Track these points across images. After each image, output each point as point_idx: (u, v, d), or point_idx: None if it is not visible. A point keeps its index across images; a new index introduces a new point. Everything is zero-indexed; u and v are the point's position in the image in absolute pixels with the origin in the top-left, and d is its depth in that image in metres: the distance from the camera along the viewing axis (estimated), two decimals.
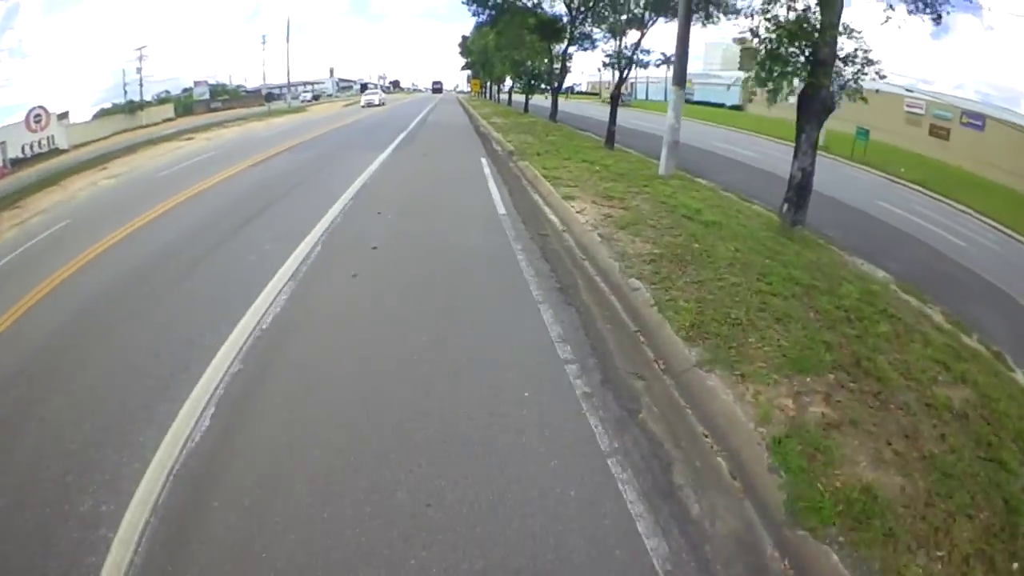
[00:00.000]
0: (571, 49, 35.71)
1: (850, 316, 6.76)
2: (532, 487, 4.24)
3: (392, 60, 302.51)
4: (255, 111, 59.70)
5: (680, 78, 17.30)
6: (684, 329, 6.06)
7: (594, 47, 34.13)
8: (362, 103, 59.41)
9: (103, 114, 76.57)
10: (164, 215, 13.61)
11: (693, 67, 26.53)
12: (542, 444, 4.71)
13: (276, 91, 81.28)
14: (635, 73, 43.32)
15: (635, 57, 27.50)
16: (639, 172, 16.98)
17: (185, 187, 16.77)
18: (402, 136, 28.04)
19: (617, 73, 28.67)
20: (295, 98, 75.64)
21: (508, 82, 67.00)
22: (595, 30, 33.15)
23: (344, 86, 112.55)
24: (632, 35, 27.65)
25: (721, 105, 64.70)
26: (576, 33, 33.87)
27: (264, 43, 66.53)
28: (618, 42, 28.32)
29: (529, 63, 43.64)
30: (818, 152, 13.23)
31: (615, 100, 26.44)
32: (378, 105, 57.89)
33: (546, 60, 39.80)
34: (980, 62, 52.13)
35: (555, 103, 37.53)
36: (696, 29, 21.18)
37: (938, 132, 38.66)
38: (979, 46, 49.75)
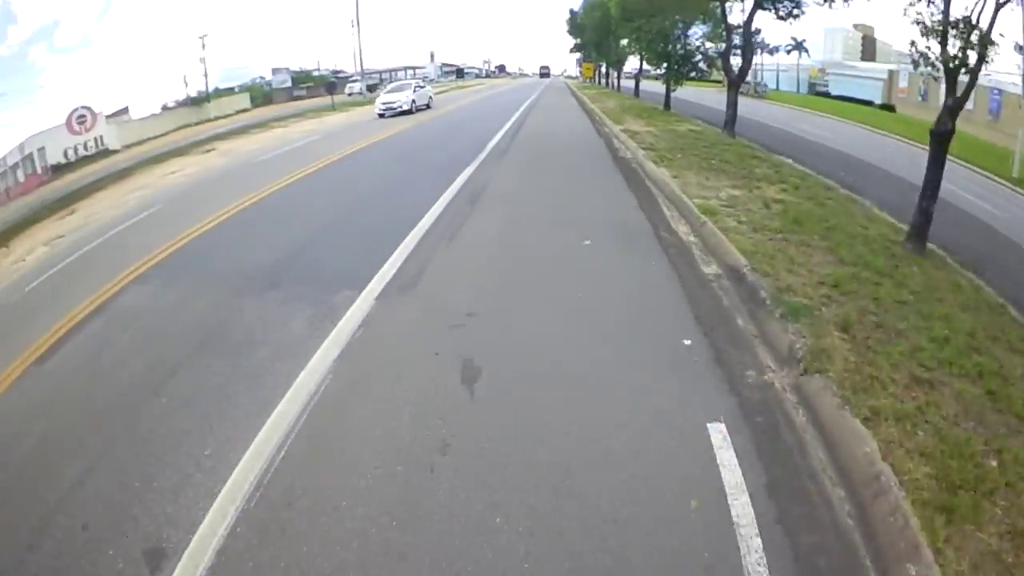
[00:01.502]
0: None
1: None
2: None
3: (498, 43, 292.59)
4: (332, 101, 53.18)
5: None
6: None
7: (800, 9, 21.35)
8: (377, 109, 34.57)
9: (172, 108, 70.69)
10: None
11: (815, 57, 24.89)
12: None
13: (360, 77, 73.53)
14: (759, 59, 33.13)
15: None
16: None
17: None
18: (468, 172, 16.44)
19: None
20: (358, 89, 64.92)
21: (631, 64, 54.73)
22: None
23: (448, 71, 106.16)
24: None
25: (868, 103, 57.66)
26: None
27: (354, 27, 56.75)
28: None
29: (678, 37, 31.18)
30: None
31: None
32: (407, 111, 33.93)
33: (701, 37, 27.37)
34: None
35: (733, 105, 23.26)
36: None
37: None
38: None
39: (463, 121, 28.89)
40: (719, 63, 30.19)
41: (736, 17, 23.20)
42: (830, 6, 19.63)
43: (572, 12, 73.12)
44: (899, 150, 29.60)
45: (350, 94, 58.88)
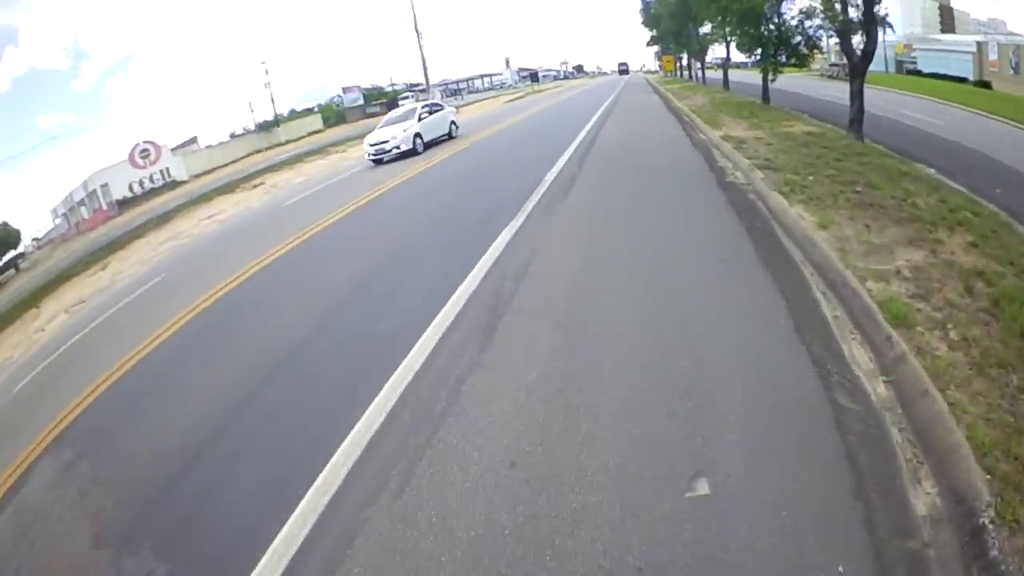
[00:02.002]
0: None
1: None
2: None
3: (574, 44, 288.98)
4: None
5: None
6: None
7: None
8: (368, 152, 25.34)
9: (240, 135, 70.71)
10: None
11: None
12: None
13: (411, 92, 71.44)
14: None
15: None
16: None
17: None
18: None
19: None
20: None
21: (715, 53, 50.05)
22: None
23: (524, 76, 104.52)
24: None
25: (962, 80, 54.35)
26: None
27: (420, 38, 54.05)
28: None
29: (770, 17, 26.39)
30: None
31: None
32: (410, 152, 24.53)
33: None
34: None
35: (859, 97, 18.26)
36: None
37: None
38: None
39: (524, 139, 24.64)
40: (824, 45, 25.54)
41: None
42: None
43: (645, 2, 68.31)
44: None
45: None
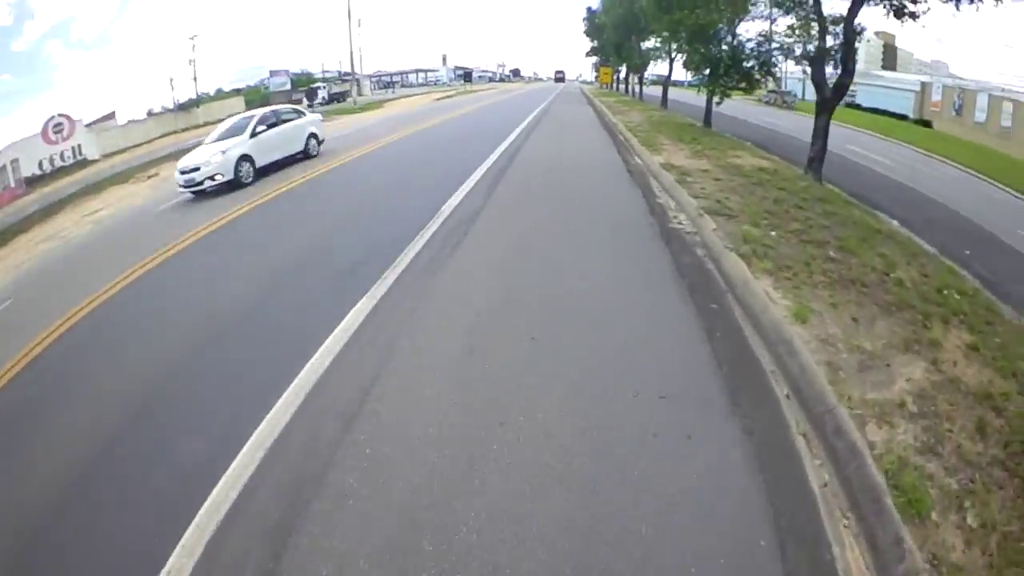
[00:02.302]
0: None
1: None
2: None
3: (514, 47, 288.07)
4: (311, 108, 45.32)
5: None
6: None
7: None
8: (178, 180, 17.71)
9: (159, 114, 67.11)
10: None
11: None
12: None
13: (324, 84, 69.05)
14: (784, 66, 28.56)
15: None
16: None
17: None
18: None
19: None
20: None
21: (655, 69, 48.69)
22: None
23: (460, 74, 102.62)
24: None
25: (902, 117, 57.24)
26: None
27: (360, 26, 50.94)
28: None
29: (723, 36, 24.78)
30: None
31: None
32: (215, 186, 17.36)
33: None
34: None
35: (823, 134, 16.50)
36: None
37: None
38: None
39: (432, 151, 20.83)
40: (778, 70, 23.95)
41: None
42: (957, 6, 14.07)
43: (590, 10, 66.77)
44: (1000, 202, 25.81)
45: (310, 105, 51.25)
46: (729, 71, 23.86)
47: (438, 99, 59.21)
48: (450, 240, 9.54)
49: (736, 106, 50.27)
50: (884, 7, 14.88)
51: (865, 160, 27.22)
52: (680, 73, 39.23)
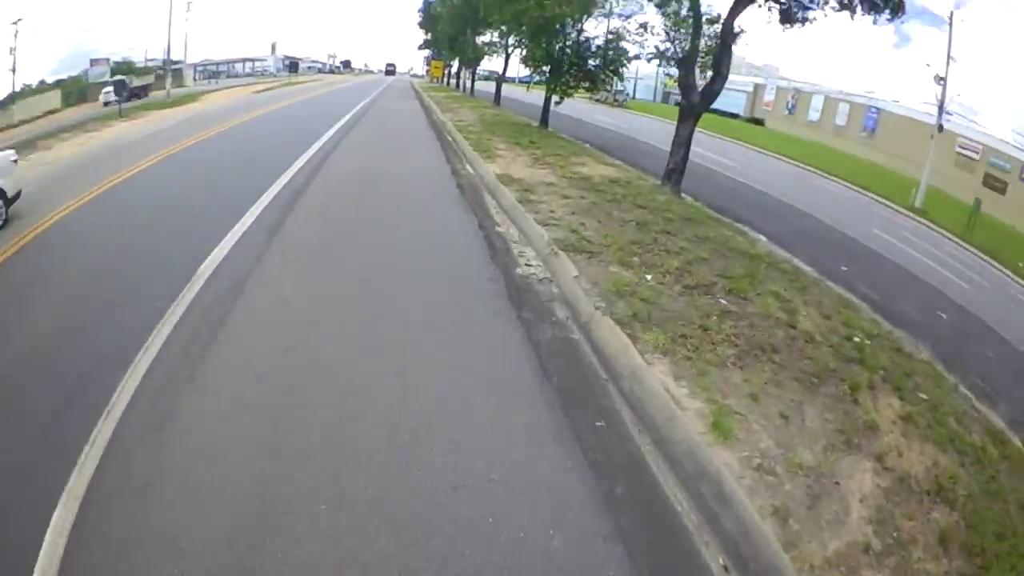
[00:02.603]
0: None
1: None
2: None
3: (346, 38, 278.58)
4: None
5: None
6: None
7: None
8: None
9: None
10: None
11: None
12: None
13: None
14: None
15: None
16: None
17: None
18: None
19: None
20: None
21: (489, 65, 46.71)
22: None
23: (291, 64, 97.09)
24: None
25: (733, 116, 59.68)
26: None
27: (188, 10, 45.42)
28: None
29: (568, 32, 22.86)
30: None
31: None
32: None
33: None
34: None
35: (686, 144, 14.62)
36: None
37: (993, 184, 34.58)
38: None
39: (237, 153, 16.67)
40: (626, 71, 22.34)
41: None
42: (852, 16, 12.87)
43: (426, 1, 63.53)
44: (851, 201, 26.98)
45: (106, 103, 42.23)
46: (572, 70, 21.81)
47: (259, 91, 53.69)
48: (200, 340, 5.70)
49: (569, 104, 49.11)
50: (769, 10, 13.18)
51: (710, 163, 26.22)
52: (514, 69, 37.30)
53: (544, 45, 22.22)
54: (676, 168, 13.85)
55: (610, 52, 21.47)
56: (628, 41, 21.09)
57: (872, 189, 29.75)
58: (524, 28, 22.81)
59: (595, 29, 22.59)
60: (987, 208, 30.42)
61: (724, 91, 44.05)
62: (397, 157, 16.08)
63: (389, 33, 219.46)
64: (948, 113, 31.38)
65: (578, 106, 47.66)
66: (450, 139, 19.56)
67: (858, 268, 13.46)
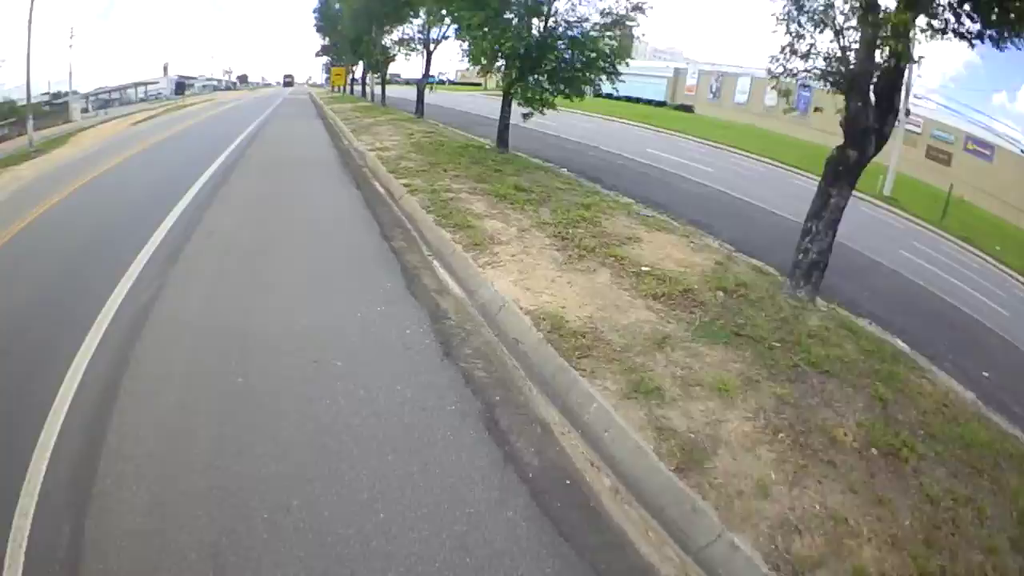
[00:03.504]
0: None
1: None
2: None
3: (242, 53, 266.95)
4: None
5: None
6: None
7: None
8: None
9: None
10: None
11: None
12: None
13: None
14: None
15: None
16: None
17: None
18: None
19: None
20: None
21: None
22: None
23: (178, 84, 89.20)
24: None
25: (661, 103, 59.10)
26: None
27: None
28: None
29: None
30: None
31: None
32: None
33: None
34: None
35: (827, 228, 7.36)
36: None
37: (937, 156, 36.68)
38: None
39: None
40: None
41: None
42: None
43: (322, 1, 55.44)
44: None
45: None
46: (548, 66, 14.94)
47: (136, 123, 44.47)
48: None
49: (478, 102, 44.62)
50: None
51: (696, 173, 21.14)
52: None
53: (508, 29, 15.08)
54: (817, 262, 7.23)
55: (609, 40, 14.79)
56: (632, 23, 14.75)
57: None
58: (468, 15, 15.56)
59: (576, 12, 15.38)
60: (933, 180, 32.25)
61: (645, 79, 41.90)
62: (287, 251, 8.81)
63: (286, 43, 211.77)
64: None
65: (475, 101, 44.95)
66: (382, 191, 12.48)
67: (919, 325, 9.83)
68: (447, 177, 12.47)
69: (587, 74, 15.45)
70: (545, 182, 12.67)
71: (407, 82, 62.89)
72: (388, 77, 42.90)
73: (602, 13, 15.07)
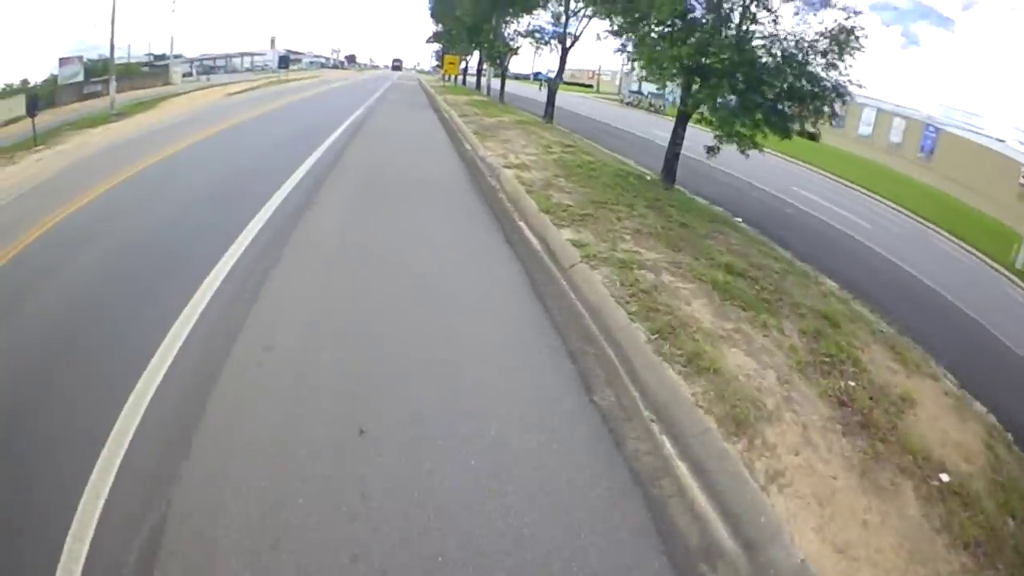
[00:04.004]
0: None
1: None
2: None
3: (351, 32, 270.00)
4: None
5: None
6: None
7: None
8: None
9: None
10: None
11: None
12: None
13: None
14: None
15: None
16: None
17: None
18: None
19: None
20: None
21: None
22: None
23: (281, 59, 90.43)
24: None
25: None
26: None
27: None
28: None
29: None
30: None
31: None
32: None
33: None
34: None
35: None
36: None
37: None
38: None
39: None
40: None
41: None
42: None
43: None
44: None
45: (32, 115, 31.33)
46: (759, 87, 11.46)
47: (232, 94, 43.14)
48: None
49: (573, 97, 41.58)
50: None
51: (849, 226, 19.05)
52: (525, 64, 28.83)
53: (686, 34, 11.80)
54: None
55: (839, 54, 11.26)
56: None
57: (961, 234, 23.00)
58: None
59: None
60: None
61: None
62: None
63: (396, 27, 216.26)
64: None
65: (590, 104, 43.58)
66: (535, 244, 9.16)
67: None
68: (626, 231, 9.10)
69: (811, 106, 11.83)
70: (750, 252, 9.28)
71: (515, 76, 60.77)
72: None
73: (825, 34, 11.50)
